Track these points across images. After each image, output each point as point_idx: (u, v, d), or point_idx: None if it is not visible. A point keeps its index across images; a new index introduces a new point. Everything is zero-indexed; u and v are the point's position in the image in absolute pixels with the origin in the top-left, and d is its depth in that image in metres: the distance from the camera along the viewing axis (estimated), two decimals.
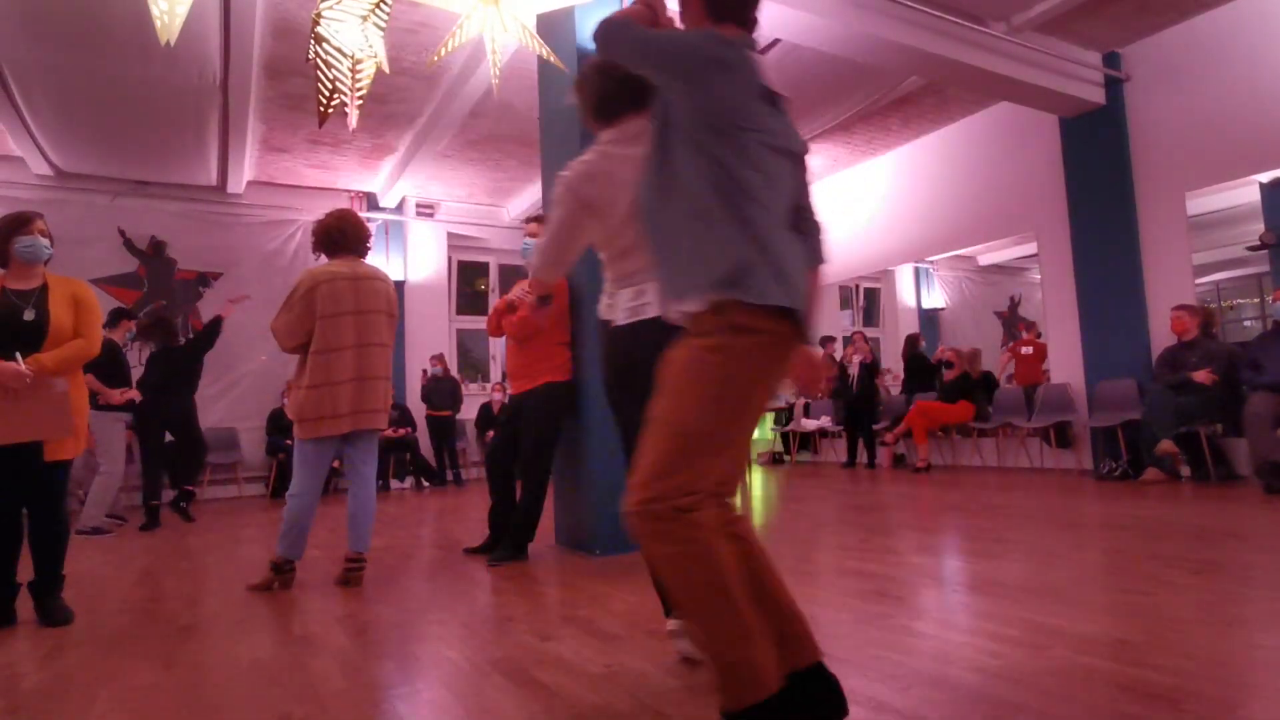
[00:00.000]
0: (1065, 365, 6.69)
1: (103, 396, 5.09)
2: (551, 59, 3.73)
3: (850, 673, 1.85)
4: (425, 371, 8.55)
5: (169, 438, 5.82)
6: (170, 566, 3.87)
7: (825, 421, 8.73)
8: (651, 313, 1.83)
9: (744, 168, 1.35)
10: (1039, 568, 2.86)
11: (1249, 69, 5.47)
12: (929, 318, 9.81)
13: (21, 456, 2.67)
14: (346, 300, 3.18)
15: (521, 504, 3.66)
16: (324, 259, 3.35)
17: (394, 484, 8.29)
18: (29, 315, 2.72)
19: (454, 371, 8.92)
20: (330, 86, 3.21)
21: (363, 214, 6.98)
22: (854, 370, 8.14)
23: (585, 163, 1.99)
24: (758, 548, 1.42)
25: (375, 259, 5.72)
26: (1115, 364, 6.15)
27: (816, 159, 8.46)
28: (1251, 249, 6.12)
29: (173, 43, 2.89)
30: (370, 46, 3.25)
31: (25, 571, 2.77)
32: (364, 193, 8.69)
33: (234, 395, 7.91)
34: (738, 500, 2.15)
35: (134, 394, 5.42)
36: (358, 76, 3.29)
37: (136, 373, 5.94)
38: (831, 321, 10.24)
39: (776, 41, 5.47)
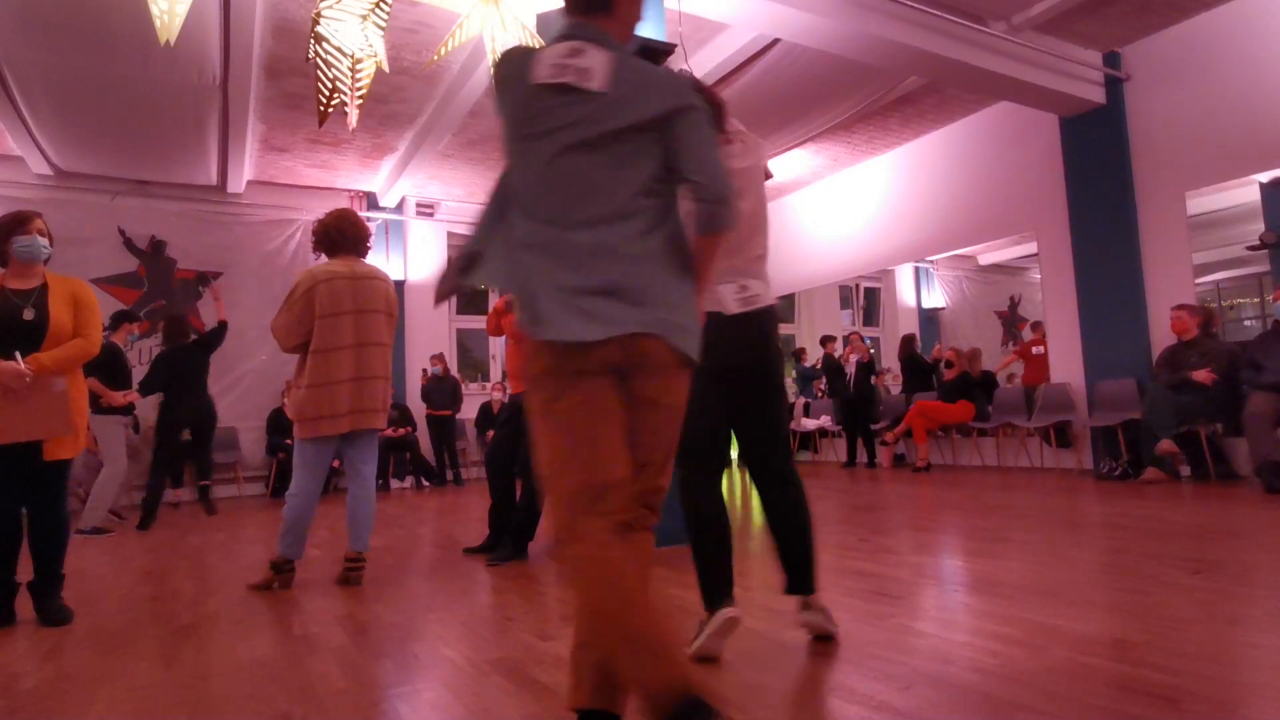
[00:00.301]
0: (1065, 365, 6.69)
1: (105, 399, 5.10)
2: None
3: (850, 672, 1.85)
4: (425, 371, 8.55)
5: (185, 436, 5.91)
6: (170, 566, 3.87)
7: (825, 421, 8.73)
8: (763, 302, 2.08)
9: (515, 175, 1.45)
10: (1039, 567, 2.86)
11: (1249, 69, 5.47)
12: (929, 317, 9.81)
13: (21, 456, 2.67)
14: (346, 300, 3.18)
15: (521, 503, 3.66)
16: (324, 258, 3.35)
17: (394, 484, 8.29)
18: (29, 314, 2.72)
19: (454, 371, 8.92)
20: (330, 86, 3.21)
21: (362, 213, 6.99)
22: (851, 370, 8.14)
23: None
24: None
25: (375, 258, 5.72)
26: (1115, 363, 6.15)
27: (817, 159, 8.47)
28: (1251, 249, 6.11)
29: (173, 42, 2.89)
30: (370, 46, 3.25)
31: (25, 571, 2.78)
32: (364, 192, 8.68)
33: (234, 395, 7.91)
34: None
35: (135, 396, 5.44)
36: (357, 76, 3.30)
37: (137, 374, 5.95)
38: (832, 321, 10.24)
39: (776, 41, 5.48)
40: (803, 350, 10.13)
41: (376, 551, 3.86)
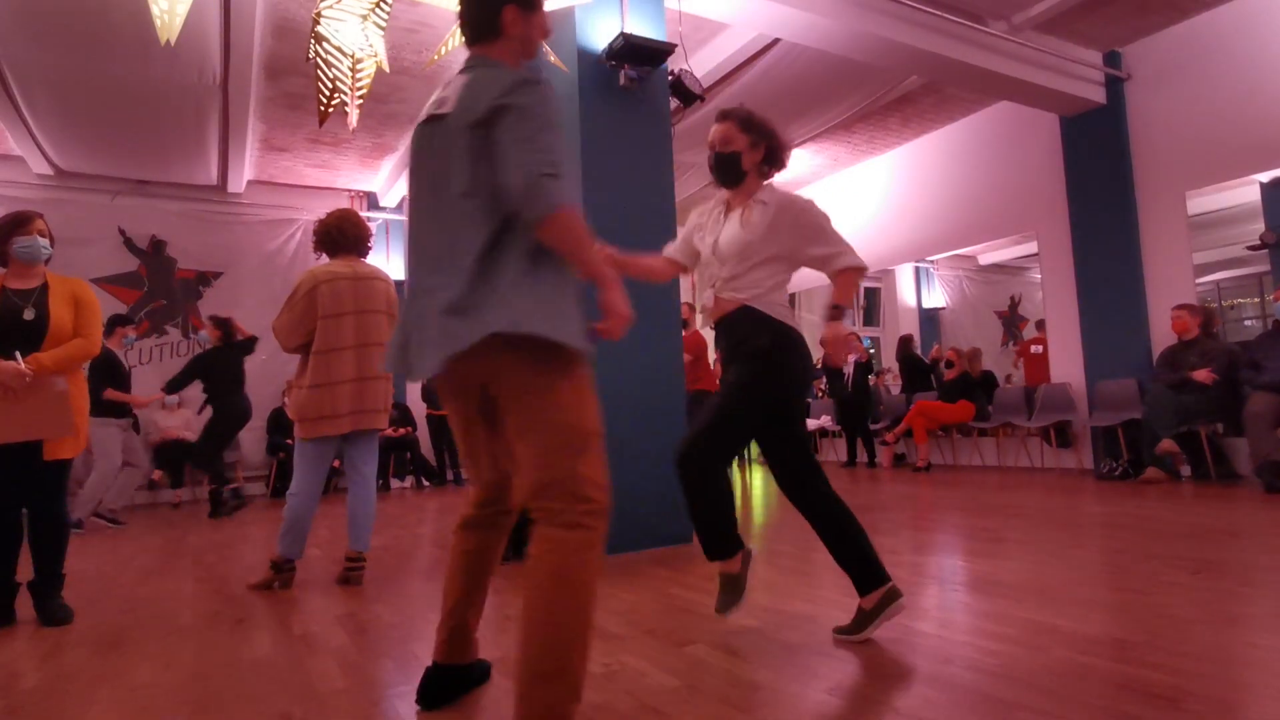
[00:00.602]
0: (1065, 365, 6.69)
1: (131, 403, 5.22)
2: (551, 59, 3.73)
3: (850, 671, 1.85)
4: None
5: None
6: (170, 566, 3.87)
7: (825, 421, 8.73)
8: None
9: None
10: (1039, 567, 2.86)
11: (1249, 69, 5.47)
12: (929, 317, 9.81)
13: (21, 456, 2.67)
14: (347, 300, 3.18)
15: None
16: (325, 259, 3.35)
17: (394, 483, 8.29)
18: (29, 314, 2.72)
19: None
20: (330, 86, 3.21)
21: (363, 213, 6.98)
22: (848, 370, 8.13)
23: None
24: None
25: (376, 259, 5.71)
26: (1116, 363, 6.15)
27: (817, 159, 8.47)
28: (1251, 249, 6.12)
29: (173, 42, 2.89)
30: (370, 46, 3.25)
31: (25, 571, 2.78)
32: (364, 192, 8.68)
33: None
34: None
35: (160, 396, 5.55)
36: (358, 76, 3.30)
37: (138, 374, 5.98)
38: None
39: (776, 41, 5.48)
40: None
41: (376, 551, 3.86)
